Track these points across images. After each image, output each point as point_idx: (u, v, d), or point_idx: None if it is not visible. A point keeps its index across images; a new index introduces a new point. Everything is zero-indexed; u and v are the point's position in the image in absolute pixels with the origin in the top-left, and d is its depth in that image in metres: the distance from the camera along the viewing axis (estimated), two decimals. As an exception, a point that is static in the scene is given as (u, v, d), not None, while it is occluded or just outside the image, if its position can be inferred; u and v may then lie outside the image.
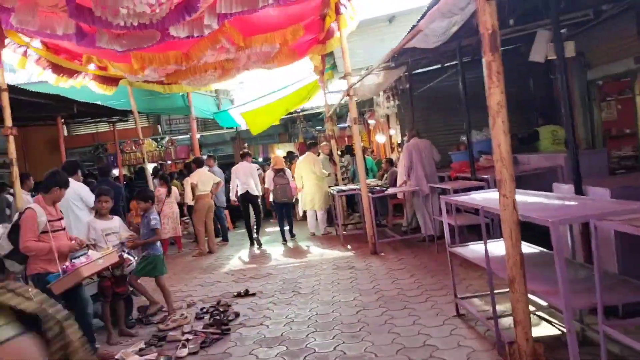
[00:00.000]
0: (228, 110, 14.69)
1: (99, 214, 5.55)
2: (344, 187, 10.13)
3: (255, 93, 15.58)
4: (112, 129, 18.72)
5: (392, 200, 10.88)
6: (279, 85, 14.54)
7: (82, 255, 4.93)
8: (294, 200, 11.78)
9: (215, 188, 10.56)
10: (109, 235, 5.46)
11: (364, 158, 12.59)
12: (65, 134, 19.05)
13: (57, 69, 9.41)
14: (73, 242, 4.88)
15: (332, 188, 10.51)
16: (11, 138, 7.65)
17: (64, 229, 4.92)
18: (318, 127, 17.53)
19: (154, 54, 8.73)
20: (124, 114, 13.40)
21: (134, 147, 18.08)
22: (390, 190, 8.77)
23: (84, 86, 10.29)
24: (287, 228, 10.89)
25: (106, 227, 5.46)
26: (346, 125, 16.37)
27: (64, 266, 4.68)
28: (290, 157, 14.05)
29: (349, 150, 14.04)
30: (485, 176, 7.20)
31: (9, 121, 7.54)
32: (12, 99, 9.85)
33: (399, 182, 8.90)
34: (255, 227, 10.93)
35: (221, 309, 6.13)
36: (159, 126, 18.82)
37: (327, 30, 9.54)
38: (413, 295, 5.86)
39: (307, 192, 10.80)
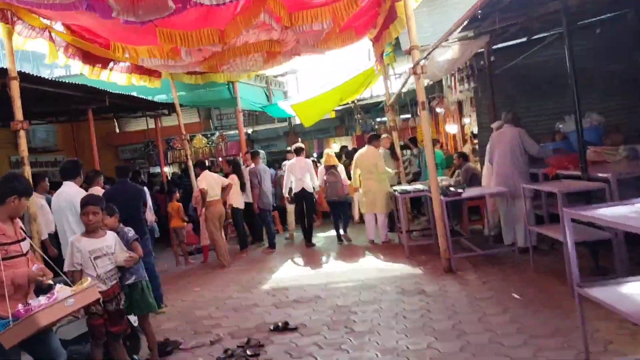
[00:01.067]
0: (278, 103, 13.18)
1: (86, 230, 4.09)
2: (408, 187, 8.37)
3: (310, 83, 13.97)
4: (161, 124, 17.90)
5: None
6: (337, 74, 12.93)
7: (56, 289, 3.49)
8: (349, 199, 10.35)
9: (226, 192, 9.20)
10: (100, 258, 3.98)
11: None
12: (117, 130, 18.38)
13: (88, 58, 8.20)
14: (34, 268, 3.43)
15: (394, 188, 8.78)
16: (22, 133, 6.45)
17: (25, 254, 3.48)
18: (377, 119, 15.74)
19: (185, 31, 7.30)
20: (166, 108, 12.13)
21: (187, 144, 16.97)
22: (470, 193, 6.94)
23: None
24: (341, 232, 9.79)
25: (95, 247, 3.99)
26: (408, 116, 14.54)
27: (18, 308, 3.25)
28: (346, 153, 12.37)
29: (413, 143, 12.26)
30: (604, 175, 5.25)
31: (19, 114, 6.34)
32: (41, 92, 8.84)
33: (484, 181, 7.06)
34: (307, 226, 9.86)
35: (250, 353, 4.58)
36: (210, 121, 17.65)
37: (389, 9, 7.79)
38: (513, 345, 4.06)
39: (366, 193, 9.12)
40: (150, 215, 10.72)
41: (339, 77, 12.43)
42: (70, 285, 3.55)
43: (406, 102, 13.20)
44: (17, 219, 3.55)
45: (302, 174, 9.70)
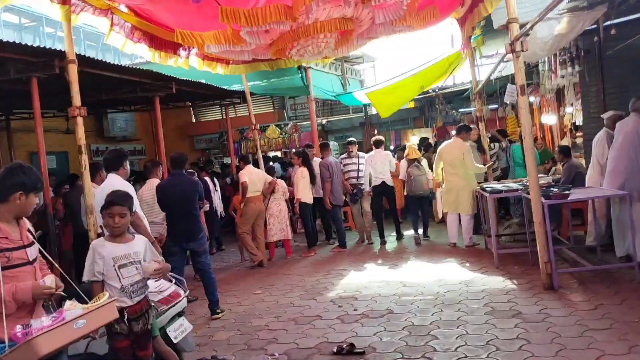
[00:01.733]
0: (353, 93, 12.28)
1: (111, 234, 3.43)
2: (498, 186, 7.24)
3: (388, 72, 12.88)
4: (235, 114, 17.57)
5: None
6: (417, 61, 11.83)
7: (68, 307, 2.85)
8: (432, 195, 9.49)
9: (268, 188, 8.54)
10: (125, 267, 3.31)
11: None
12: (193, 120, 18.28)
13: (156, 42, 7.75)
14: (46, 281, 2.80)
15: (481, 185, 7.66)
16: (79, 120, 5.98)
17: (31, 262, 2.85)
18: (461, 109, 14.45)
19: (250, 9, 6.60)
20: (238, 97, 11.57)
21: (257, 135, 16.52)
22: (579, 195, 5.74)
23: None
24: (421, 231, 9.09)
25: (121, 253, 3.32)
26: (495, 106, 13.16)
27: (16, 330, 2.62)
28: (426, 146, 11.30)
29: (503, 135, 10.98)
30: None
31: (77, 99, 5.88)
32: (107, 78, 8.49)
33: (589, 181, 5.85)
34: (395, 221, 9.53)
35: (306, 384, 3.80)
36: (285, 111, 17.09)
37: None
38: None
39: (450, 190, 8.06)
40: (218, 207, 10.34)
41: (419, 64, 11.35)
42: (85, 301, 2.89)
43: (495, 90, 11.87)
44: (24, 219, 2.94)
45: (382, 167, 9.20)
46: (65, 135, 14.02)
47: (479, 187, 7.69)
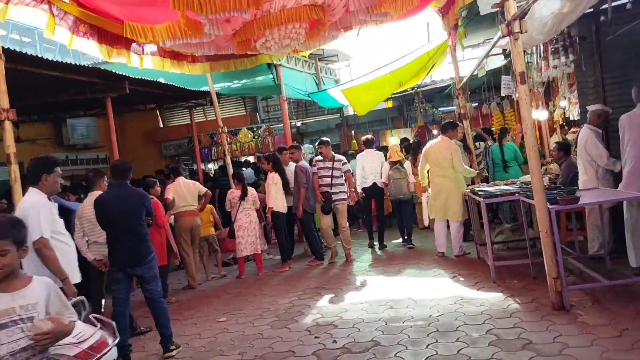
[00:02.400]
0: (327, 90, 11.42)
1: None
2: (490, 189, 6.43)
3: (365, 71, 12.04)
4: (206, 117, 16.57)
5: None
6: (395, 58, 11.03)
7: None
8: (413, 198, 8.75)
9: (203, 202, 7.86)
10: (6, 328, 2.21)
11: (501, 145, 8.79)
12: (161, 125, 17.21)
13: (106, 38, 6.77)
14: None
15: (472, 189, 6.86)
16: (7, 125, 5.00)
17: None
18: (442, 108, 13.69)
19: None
20: (203, 98, 10.59)
21: (228, 139, 15.55)
22: (589, 199, 4.93)
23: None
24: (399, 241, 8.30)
25: (3, 307, 2.37)
26: (477, 104, 12.42)
27: None
28: (407, 147, 10.48)
29: (488, 133, 10.26)
30: None
31: (4, 101, 4.93)
32: (48, 78, 7.45)
33: (626, 183, 5.03)
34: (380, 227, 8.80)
35: None
36: (257, 114, 16.15)
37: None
38: None
39: (437, 194, 7.24)
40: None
41: (397, 59, 10.56)
42: None
43: (478, 86, 11.12)
44: None
45: (374, 168, 8.70)
46: (19, 144, 12.94)
47: (468, 191, 6.87)
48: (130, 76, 7.71)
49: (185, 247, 7.55)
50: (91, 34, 6.53)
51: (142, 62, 7.57)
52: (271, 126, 15.08)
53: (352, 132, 15.17)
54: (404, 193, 8.33)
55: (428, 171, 7.50)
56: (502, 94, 7.51)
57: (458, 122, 7.81)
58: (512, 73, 7.95)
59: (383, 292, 6.01)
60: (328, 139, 8.46)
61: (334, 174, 7.96)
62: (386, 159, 8.73)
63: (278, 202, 7.88)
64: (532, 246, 6.17)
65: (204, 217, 8.07)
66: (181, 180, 7.83)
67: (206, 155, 15.66)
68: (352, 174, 8.50)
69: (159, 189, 7.20)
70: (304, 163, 8.18)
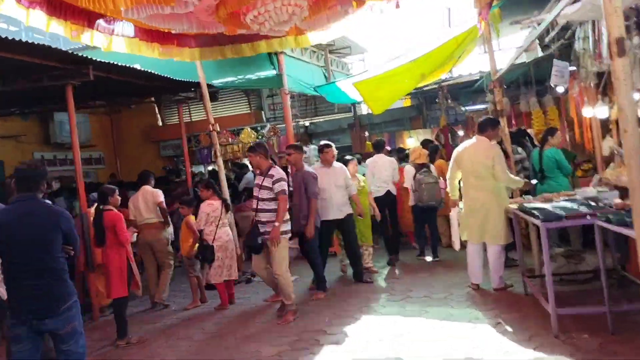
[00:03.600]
0: (337, 82, 9.82)
1: None
2: (545, 206, 4.77)
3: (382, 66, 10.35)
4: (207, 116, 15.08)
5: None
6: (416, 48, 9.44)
7: None
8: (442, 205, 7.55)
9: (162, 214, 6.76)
10: None
11: (542, 150, 7.15)
12: (160, 123, 15.78)
13: (56, 8, 5.28)
14: None
15: (518, 204, 5.21)
16: None
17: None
18: (468, 106, 12.00)
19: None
20: (190, 91, 9.01)
21: (230, 139, 14.08)
22: None
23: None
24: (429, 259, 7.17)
25: None
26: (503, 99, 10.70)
27: None
28: (430, 150, 8.85)
29: (522, 136, 8.62)
30: None
31: None
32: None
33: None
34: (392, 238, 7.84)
35: None
36: (262, 112, 14.63)
37: None
38: None
39: (474, 210, 5.59)
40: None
41: (419, 47, 8.97)
42: None
43: (513, 81, 9.45)
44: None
45: (387, 174, 7.70)
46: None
47: (515, 207, 5.24)
48: (97, 60, 6.20)
49: (147, 265, 6.87)
50: (39, 3, 5.02)
51: (110, 44, 6.08)
52: (277, 125, 13.54)
53: (366, 133, 13.59)
54: (438, 199, 7.44)
55: (459, 181, 5.87)
56: (552, 83, 5.93)
57: (498, 120, 6.14)
58: (575, 55, 6.26)
59: (399, 346, 4.41)
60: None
61: (260, 195, 5.61)
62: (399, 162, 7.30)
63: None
64: (612, 287, 4.51)
65: (184, 231, 6.57)
66: (144, 189, 6.90)
67: (205, 157, 14.23)
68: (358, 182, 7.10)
69: (118, 198, 5.70)
70: (309, 168, 6.61)
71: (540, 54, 6.16)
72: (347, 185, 6.66)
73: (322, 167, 6.71)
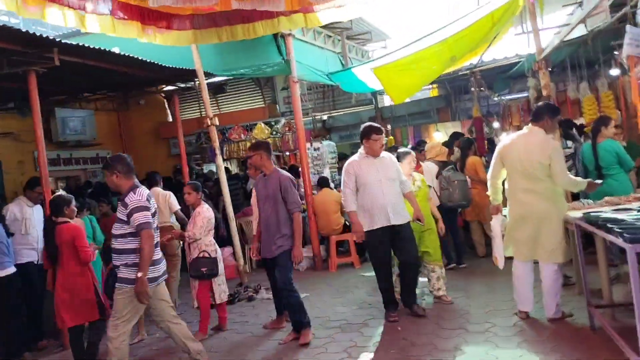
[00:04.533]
0: (352, 69, 8.63)
1: None
2: (627, 218, 3.53)
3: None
4: (219, 109, 14.10)
5: None
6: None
7: None
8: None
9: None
10: None
11: (595, 144, 5.88)
12: (170, 119, 14.85)
13: None
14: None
15: (588, 215, 3.96)
16: None
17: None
18: (505, 95, 10.65)
19: None
20: (188, 78, 7.89)
21: (242, 135, 13.06)
22: None
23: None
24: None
25: None
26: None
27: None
28: (463, 144, 7.61)
29: (569, 127, 7.36)
30: None
31: None
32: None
33: None
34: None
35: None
36: (277, 106, 13.57)
37: None
38: None
39: (523, 218, 4.35)
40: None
41: (450, 23, 7.75)
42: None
43: (557, 64, 8.13)
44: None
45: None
46: (-3, 138, 10.82)
47: (578, 215, 4.01)
48: (64, 42, 5.19)
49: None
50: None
51: (83, 23, 5.08)
52: (292, 120, 12.43)
53: (389, 126, 12.38)
54: (469, 198, 6.59)
55: (504, 182, 4.66)
56: (625, 54, 4.65)
57: (557, 106, 4.87)
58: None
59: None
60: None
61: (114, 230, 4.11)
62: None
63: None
64: None
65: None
66: (156, 191, 6.34)
67: (215, 154, 13.19)
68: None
69: (74, 209, 4.70)
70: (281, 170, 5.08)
71: (609, 19, 4.87)
72: (400, 179, 5.04)
73: (366, 158, 5.00)
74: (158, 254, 3.92)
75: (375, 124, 5.14)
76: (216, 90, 13.13)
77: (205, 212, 5.29)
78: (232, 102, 13.86)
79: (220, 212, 7.94)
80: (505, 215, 4.68)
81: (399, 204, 4.93)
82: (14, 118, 10.97)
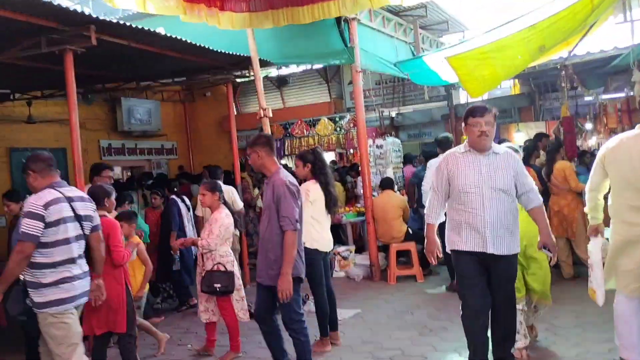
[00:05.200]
0: (424, 57, 7.73)
1: None
2: None
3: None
4: (284, 103, 13.61)
5: None
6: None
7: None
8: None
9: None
10: None
11: None
12: (235, 112, 14.55)
13: None
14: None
15: None
16: None
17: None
18: (601, 94, 9.32)
19: None
20: (237, 65, 7.17)
21: (305, 131, 12.48)
22: None
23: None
24: None
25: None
26: None
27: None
28: (551, 148, 6.56)
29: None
30: None
31: None
32: None
33: None
34: None
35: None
36: (343, 101, 12.90)
37: None
38: None
39: (632, 242, 3.33)
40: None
41: (540, 7, 6.70)
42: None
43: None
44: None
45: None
46: (62, 126, 10.83)
47: None
48: (101, 18, 4.73)
49: None
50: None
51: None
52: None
53: (464, 124, 11.33)
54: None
55: (606, 196, 3.67)
56: None
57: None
58: None
59: None
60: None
61: None
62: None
63: (316, 234, 4.45)
64: None
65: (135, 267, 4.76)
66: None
67: (278, 150, 12.71)
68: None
69: (113, 202, 4.21)
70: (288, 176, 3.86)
71: None
72: (523, 189, 3.55)
73: (469, 153, 3.56)
74: (68, 272, 3.29)
75: (480, 104, 3.70)
76: (280, 83, 12.66)
77: (223, 219, 4.55)
78: (297, 96, 13.36)
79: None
80: (607, 239, 3.71)
81: (508, 226, 3.45)
82: (79, 106, 10.98)
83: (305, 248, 4.11)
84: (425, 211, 3.80)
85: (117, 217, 4.39)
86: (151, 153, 13.09)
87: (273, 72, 10.86)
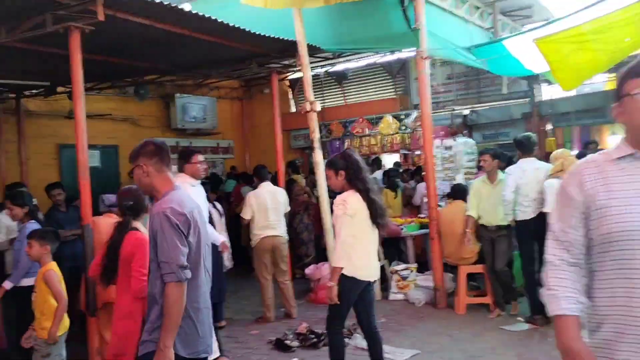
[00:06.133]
0: (504, 41, 6.50)
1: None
2: None
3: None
4: (345, 101, 12.70)
5: None
6: None
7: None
8: None
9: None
10: None
11: None
12: (292, 109, 13.86)
13: None
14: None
15: None
16: None
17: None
18: None
19: None
20: (283, 52, 6.22)
21: (367, 129, 11.54)
22: None
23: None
24: None
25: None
26: None
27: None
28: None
29: None
30: None
31: None
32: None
33: None
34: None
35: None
36: (409, 97, 11.80)
37: None
38: None
39: None
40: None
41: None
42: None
43: None
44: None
45: (534, 189, 5.15)
46: (114, 122, 10.54)
47: None
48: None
49: (264, 272, 5.98)
50: None
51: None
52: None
53: (548, 125, 9.96)
54: None
55: None
56: None
57: None
58: None
59: None
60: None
61: None
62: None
63: (357, 259, 3.46)
64: None
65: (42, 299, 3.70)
66: (268, 187, 6.06)
67: (337, 149, 11.93)
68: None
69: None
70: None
71: None
72: None
73: (630, 160, 1.65)
74: None
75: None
76: (340, 78, 11.77)
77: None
78: (359, 91, 12.44)
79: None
80: None
81: None
82: (133, 102, 10.66)
83: (342, 275, 3.40)
84: (545, 287, 1.76)
85: (28, 235, 3.62)
86: (206, 152, 12.60)
87: (338, 66, 10.05)
